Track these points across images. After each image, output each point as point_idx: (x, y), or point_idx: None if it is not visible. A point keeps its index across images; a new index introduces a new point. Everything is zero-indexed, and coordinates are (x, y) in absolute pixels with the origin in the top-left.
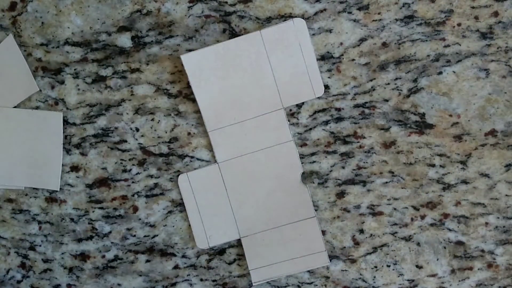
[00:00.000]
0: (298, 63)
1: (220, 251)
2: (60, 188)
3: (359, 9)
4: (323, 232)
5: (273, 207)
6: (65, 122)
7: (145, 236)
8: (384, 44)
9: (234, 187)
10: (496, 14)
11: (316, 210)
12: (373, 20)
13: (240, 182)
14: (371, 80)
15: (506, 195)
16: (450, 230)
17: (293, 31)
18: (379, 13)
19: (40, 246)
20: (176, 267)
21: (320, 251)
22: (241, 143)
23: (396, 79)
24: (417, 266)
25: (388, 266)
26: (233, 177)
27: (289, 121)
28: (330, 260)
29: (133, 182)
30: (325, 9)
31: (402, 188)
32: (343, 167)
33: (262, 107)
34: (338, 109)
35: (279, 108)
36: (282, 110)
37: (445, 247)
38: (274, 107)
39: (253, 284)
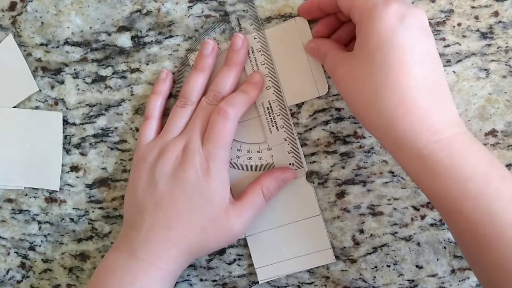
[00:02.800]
0: (302, 61)
1: (220, 251)
2: (60, 188)
3: None
4: None
5: (278, 206)
6: (65, 122)
7: None
8: None
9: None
10: (496, 14)
11: None
12: None
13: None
14: None
15: None
16: None
17: (295, 29)
18: None
19: (40, 246)
20: None
21: (326, 248)
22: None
23: None
24: (417, 266)
25: (388, 266)
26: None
27: None
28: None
29: None
30: None
31: (402, 188)
32: (343, 167)
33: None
34: (338, 109)
35: (283, 107)
36: (287, 108)
37: (445, 247)
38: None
39: (259, 282)
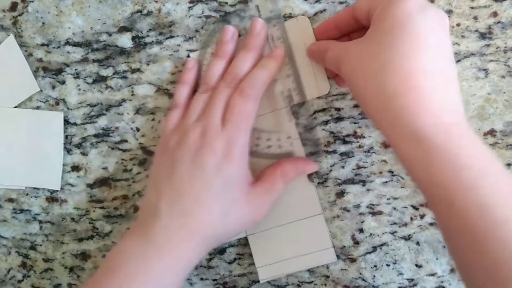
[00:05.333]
0: (304, 61)
1: (220, 251)
2: (61, 188)
3: None
4: None
5: (280, 205)
6: (66, 122)
7: None
8: None
9: None
10: (495, 14)
11: None
12: None
13: None
14: None
15: None
16: None
17: (297, 29)
18: None
19: (41, 245)
20: None
21: (327, 247)
22: None
23: None
24: (416, 265)
25: (388, 265)
26: None
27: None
28: None
29: (133, 181)
30: (325, 9)
31: (401, 187)
32: (343, 167)
33: (269, 106)
34: (338, 109)
35: (284, 106)
36: (288, 108)
37: (444, 246)
38: (279, 105)
39: (260, 281)
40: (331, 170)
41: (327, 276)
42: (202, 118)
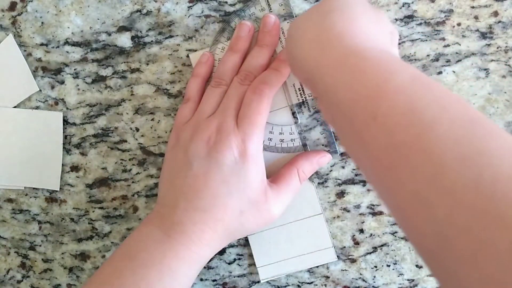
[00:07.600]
0: None
1: (220, 251)
2: (60, 188)
3: None
4: None
5: None
6: (65, 122)
7: None
8: None
9: None
10: (496, 14)
11: None
12: None
13: None
14: None
15: None
16: None
17: None
18: None
19: (40, 246)
20: None
21: (328, 247)
22: None
23: None
24: (417, 266)
25: (388, 265)
26: None
27: None
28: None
29: (133, 182)
30: None
31: None
32: (343, 167)
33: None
34: None
35: (284, 106)
36: (288, 107)
37: None
38: (279, 105)
39: (261, 281)
40: (331, 170)
41: (327, 277)
42: (217, 113)
